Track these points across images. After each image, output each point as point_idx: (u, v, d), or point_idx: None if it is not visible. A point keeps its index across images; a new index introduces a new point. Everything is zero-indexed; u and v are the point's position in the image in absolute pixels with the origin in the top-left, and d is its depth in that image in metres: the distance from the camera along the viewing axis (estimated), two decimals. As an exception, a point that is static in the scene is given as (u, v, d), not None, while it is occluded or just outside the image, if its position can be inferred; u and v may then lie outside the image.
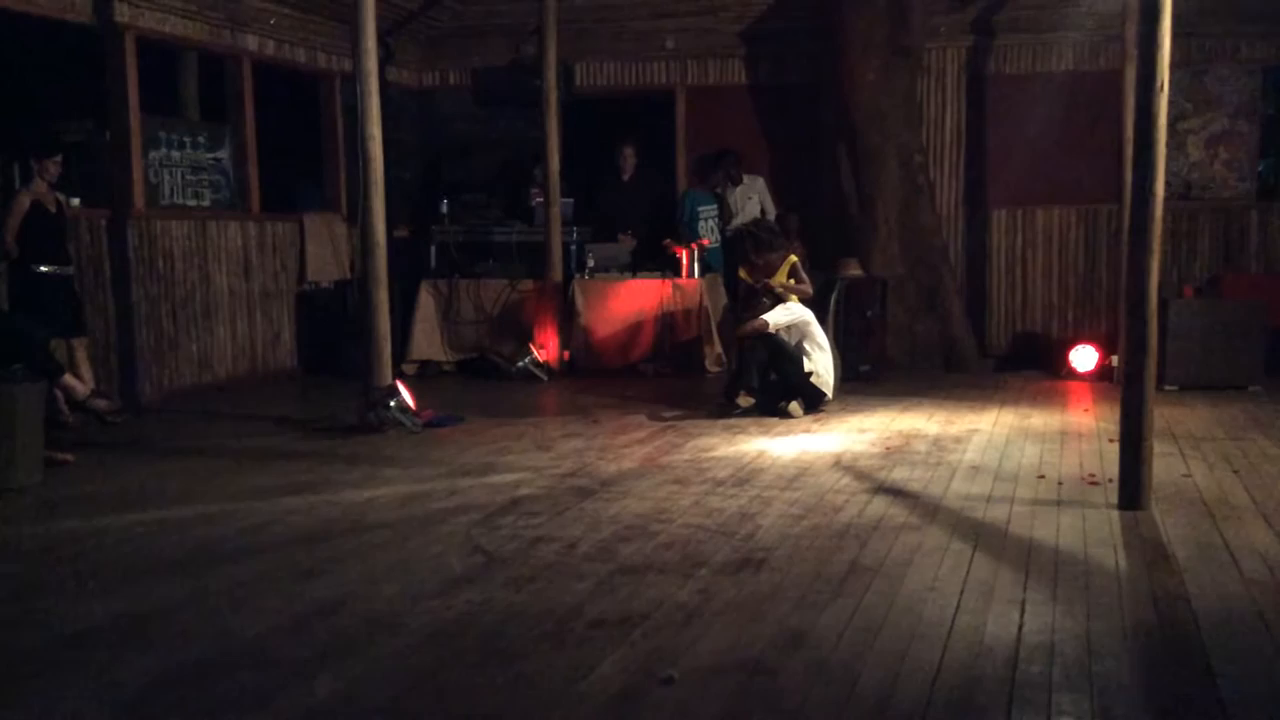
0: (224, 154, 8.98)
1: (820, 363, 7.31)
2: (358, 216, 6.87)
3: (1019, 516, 4.62)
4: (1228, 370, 8.12)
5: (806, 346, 7.29)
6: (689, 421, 6.99)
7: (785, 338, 7.23)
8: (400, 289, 8.62)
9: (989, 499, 4.94)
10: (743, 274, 7.72)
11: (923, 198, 9.59)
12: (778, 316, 7.28)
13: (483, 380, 9.16)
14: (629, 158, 10.13)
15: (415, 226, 10.54)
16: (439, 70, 11.25)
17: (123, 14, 7.68)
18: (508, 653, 3.18)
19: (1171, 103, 5.08)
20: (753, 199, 10.09)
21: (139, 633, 3.41)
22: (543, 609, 3.53)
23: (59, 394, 6.66)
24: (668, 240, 9.42)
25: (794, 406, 7.08)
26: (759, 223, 8.17)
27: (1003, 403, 7.68)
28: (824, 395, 7.31)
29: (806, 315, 7.36)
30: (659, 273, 9.32)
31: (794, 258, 7.53)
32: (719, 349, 9.09)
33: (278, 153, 9.77)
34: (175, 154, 8.50)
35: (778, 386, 7.19)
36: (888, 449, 6.10)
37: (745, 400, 7.06)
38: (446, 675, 3.04)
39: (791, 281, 7.46)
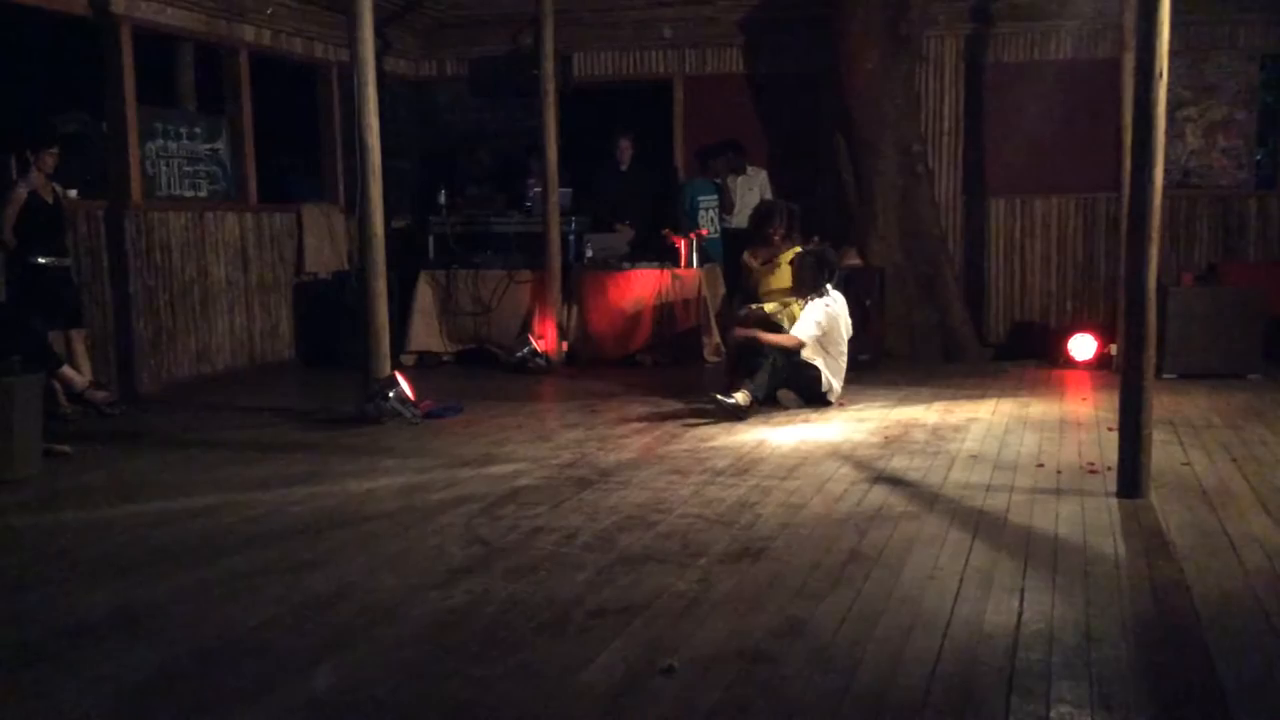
0: (221, 145, 8.97)
1: (834, 370, 7.11)
2: (356, 207, 6.85)
3: (1018, 505, 4.63)
4: (1227, 358, 8.11)
5: (828, 348, 7.05)
6: (688, 412, 6.98)
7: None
8: (398, 280, 8.61)
9: (988, 488, 4.94)
10: (747, 257, 7.62)
11: (921, 187, 9.57)
12: (809, 329, 6.92)
13: (481, 371, 9.14)
14: (626, 148, 10.11)
15: (413, 217, 10.53)
16: (436, 60, 11.23)
17: (119, 5, 7.66)
18: (508, 643, 3.18)
19: (1170, 91, 5.08)
20: (753, 190, 10.06)
21: (138, 624, 3.41)
22: (543, 599, 3.53)
23: (57, 386, 6.67)
24: (666, 230, 9.41)
25: (785, 394, 7.05)
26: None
27: (1001, 391, 7.68)
28: (830, 403, 7.15)
29: (838, 314, 7.05)
30: (657, 263, 9.30)
31: (799, 248, 7.49)
32: (717, 339, 9.07)
33: (275, 144, 9.76)
34: (172, 145, 8.49)
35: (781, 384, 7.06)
36: (887, 438, 6.10)
37: (744, 398, 6.62)
38: (446, 665, 3.04)
39: (788, 308, 7.20)
